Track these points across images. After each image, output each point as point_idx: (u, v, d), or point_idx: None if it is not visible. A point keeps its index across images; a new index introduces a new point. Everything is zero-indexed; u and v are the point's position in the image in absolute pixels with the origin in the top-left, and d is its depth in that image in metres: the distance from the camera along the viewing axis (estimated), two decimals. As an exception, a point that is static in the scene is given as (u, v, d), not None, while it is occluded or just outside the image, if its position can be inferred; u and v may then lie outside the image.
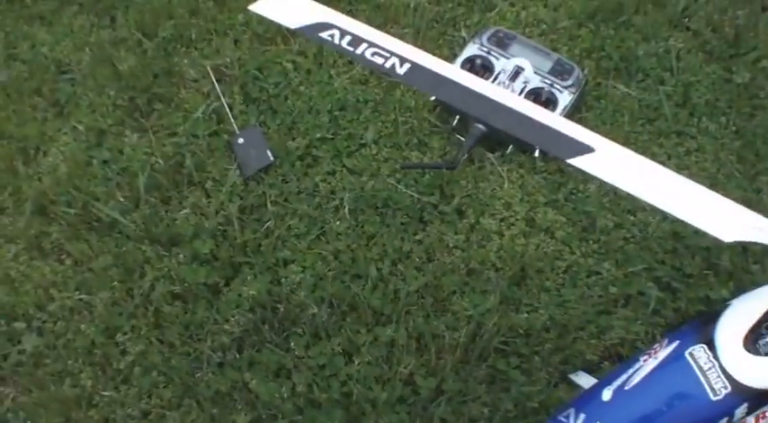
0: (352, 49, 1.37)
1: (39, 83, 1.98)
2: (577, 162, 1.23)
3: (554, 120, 1.31)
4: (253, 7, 1.43)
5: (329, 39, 1.38)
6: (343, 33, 1.39)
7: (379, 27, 1.95)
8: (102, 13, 2.08)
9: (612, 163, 1.27)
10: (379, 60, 1.36)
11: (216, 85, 1.94)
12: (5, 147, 1.91)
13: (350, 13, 2.02)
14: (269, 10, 1.45)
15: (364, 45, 1.38)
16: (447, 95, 1.38)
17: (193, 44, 2.01)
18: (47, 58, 2.03)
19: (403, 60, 1.37)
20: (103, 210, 1.79)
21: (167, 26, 2.03)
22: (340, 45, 1.38)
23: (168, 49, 2.01)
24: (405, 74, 1.36)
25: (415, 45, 1.92)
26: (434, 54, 1.92)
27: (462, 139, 1.84)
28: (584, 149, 1.26)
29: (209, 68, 1.96)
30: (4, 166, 1.88)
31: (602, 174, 1.23)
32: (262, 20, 1.98)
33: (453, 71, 1.36)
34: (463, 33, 2.01)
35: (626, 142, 1.83)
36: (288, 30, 1.44)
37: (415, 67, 1.37)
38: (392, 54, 1.37)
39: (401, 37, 1.94)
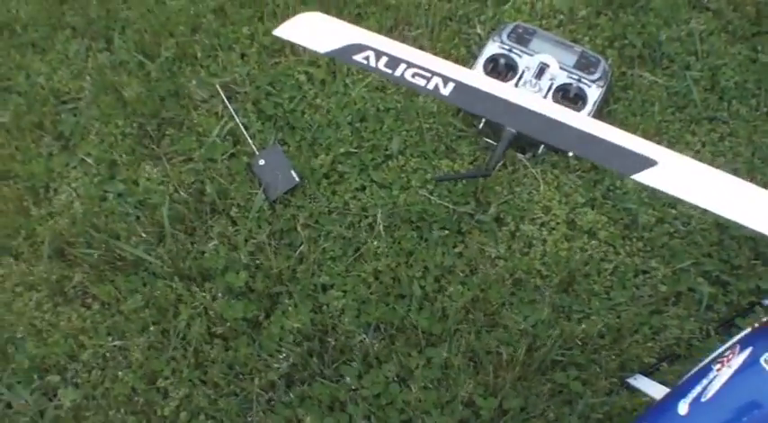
0: (390, 71, 1.30)
1: (39, 116, 1.87)
2: (641, 177, 1.18)
3: (614, 134, 1.24)
4: (277, 32, 1.34)
5: (364, 62, 1.30)
6: (379, 55, 1.31)
7: (391, 29, 1.90)
8: (96, 35, 1.97)
9: (678, 175, 1.21)
10: (421, 82, 1.29)
11: (227, 104, 1.85)
12: (12, 188, 1.81)
13: (359, 16, 1.94)
14: (295, 34, 1.36)
15: (403, 66, 1.30)
16: (500, 116, 1.30)
17: (199, 62, 1.92)
18: (44, 88, 1.92)
19: (446, 80, 1.29)
20: (126, 249, 1.70)
21: (169, 45, 1.93)
22: (377, 67, 1.30)
23: (173, 70, 1.91)
24: (450, 94, 1.28)
25: (431, 46, 1.88)
26: (451, 55, 1.89)
27: (491, 141, 1.78)
28: (647, 163, 1.21)
29: (218, 87, 1.87)
30: (15, 208, 1.78)
31: (668, 188, 1.17)
32: (267, 31, 1.90)
33: (504, 89, 1.29)
34: (479, 30, 1.93)
35: (658, 132, 1.79)
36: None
37: (461, 87, 1.29)
38: (434, 73, 1.29)
39: (415, 38, 1.88)
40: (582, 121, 1.24)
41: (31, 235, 1.76)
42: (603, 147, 1.22)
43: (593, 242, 1.71)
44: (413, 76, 1.29)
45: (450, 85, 1.28)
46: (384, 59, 1.30)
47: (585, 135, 1.23)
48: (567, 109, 1.28)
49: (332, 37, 1.34)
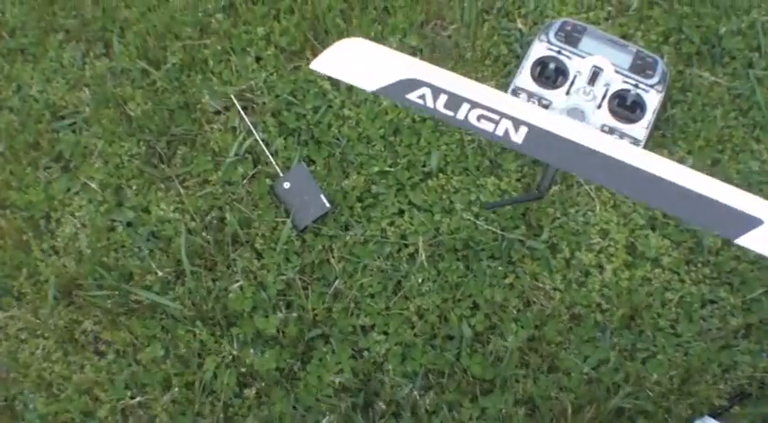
0: (451, 112, 1.12)
1: (34, 134, 1.68)
2: (745, 241, 1.02)
3: (716, 188, 1.07)
4: (315, 65, 1.16)
5: (420, 102, 1.12)
6: (437, 92, 1.13)
7: (422, 25, 1.71)
8: (93, 39, 1.75)
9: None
10: (488, 126, 1.11)
11: (244, 116, 1.66)
12: (9, 219, 1.62)
13: (386, 11, 1.74)
14: (335, 67, 1.17)
15: (465, 106, 1.12)
16: (589, 171, 1.12)
17: (209, 69, 1.71)
18: (38, 101, 1.71)
19: (518, 123, 1.11)
20: (141, 294, 1.53)
21: (175, 49, 1.72)
22: (435, 109, 1.12)
23: (181, 79, 1.71)
24: (524, 142, 1.11)
25: (469, 45, 1.69)
26: (491, 54, 1.70)
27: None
28: (752, 223, 1.05)
29: (232, 97, 1.68)
30: (13, 243, 1.60)
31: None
32: (285, 30, 1.70)
33: (591, 135, 1.11)
34: (519, 25, 1.74)
35: (721, 140, 1.63)
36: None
37: (536, 133, 1.11)
38: (503, 115, 1.11)
39: (450, 35, 1.69)
40: (683, 174, 1.07)
41: (34, 273, 1.59)
42: (703, 203, 1.06)
43: (657, 270, 1.55)
44: (478, 118, 1.11)
45: (523, 131, 1.11)
46: (443, 98, 1.12)
47: (687, 193, 1.06)
48: (666, 160, 1.10)
49: (380, 70, 1.15)
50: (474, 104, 1.11)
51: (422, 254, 1.55)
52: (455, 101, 1.11)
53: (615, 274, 1.55)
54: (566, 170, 1.36)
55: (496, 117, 1.10)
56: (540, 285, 1.55)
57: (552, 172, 1.52)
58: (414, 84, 1.12)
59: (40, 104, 1.71)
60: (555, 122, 1.10)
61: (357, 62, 1.17)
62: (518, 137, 1.10)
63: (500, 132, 1.09)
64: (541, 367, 1.49)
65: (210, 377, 1.49)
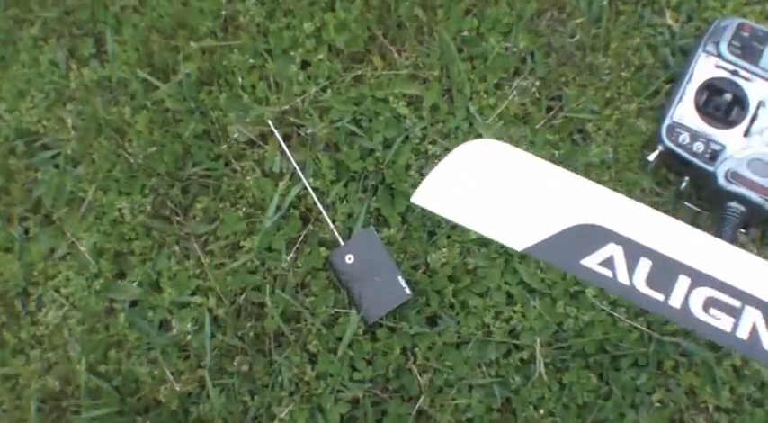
0: (659, 295, 0.68)
1: (4, 173, 1.23)
2: None
3: None
4: (418, 198, 0.71)
5: (605, 272, 0.68)
6: (635, 252, 0.68)
7: (533, 18, 1.21)
8: (79, 34, 1.28)
9: None
10: (722, 321, 0.67)
11: (287, 151, 1.20)
12: (-27, 296, 1.20)
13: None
14: (453, 203, 0.73)
15: (684, 282, 0.68)
16: None
17: (236, 81, 1.24)
18: (8, 124, 1.26)
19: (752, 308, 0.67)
20: None
21: (189, 52, 1.24)
22: (632, 286, 0.68)
23: (198, 97, 1.24)
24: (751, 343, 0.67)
25: (598, 48, 1.20)
26: (631, 63, 1.20)
27: (694, 209, 1.14)
28: None
29: (269, 122, 1.21)
30: (-20, 332, 1.18)
31: None
32: (341, 24, 1.22)
33: None
34: (669, 20, 1.24)
35: None
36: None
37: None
38: (746, 301, 0.67)
39: (572, 34, 1.20)
40: None
41: (12, 375, 1.18)
42: None
43: None
44: (705, 306, 0.67)
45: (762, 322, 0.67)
46: (645, 265, 0.68)
47: None
48: None
49: (535, 209, 0.70)
50: (699, 278, 0.67)
51: (540, 360, 1.12)
52: (667, 271, 0.67)
53: (805, 390, 1.11)
54: None
55: (738, 303, 0.66)
56: (701, 404, 1.12)
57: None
58: (594, 235, 0.68)
59: (10, 129, 1.25)
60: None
61: (490, 191, 0.72)
62: (745, 331, 0.66)
63: (743, 333, 0.66)
64: None
65: None
